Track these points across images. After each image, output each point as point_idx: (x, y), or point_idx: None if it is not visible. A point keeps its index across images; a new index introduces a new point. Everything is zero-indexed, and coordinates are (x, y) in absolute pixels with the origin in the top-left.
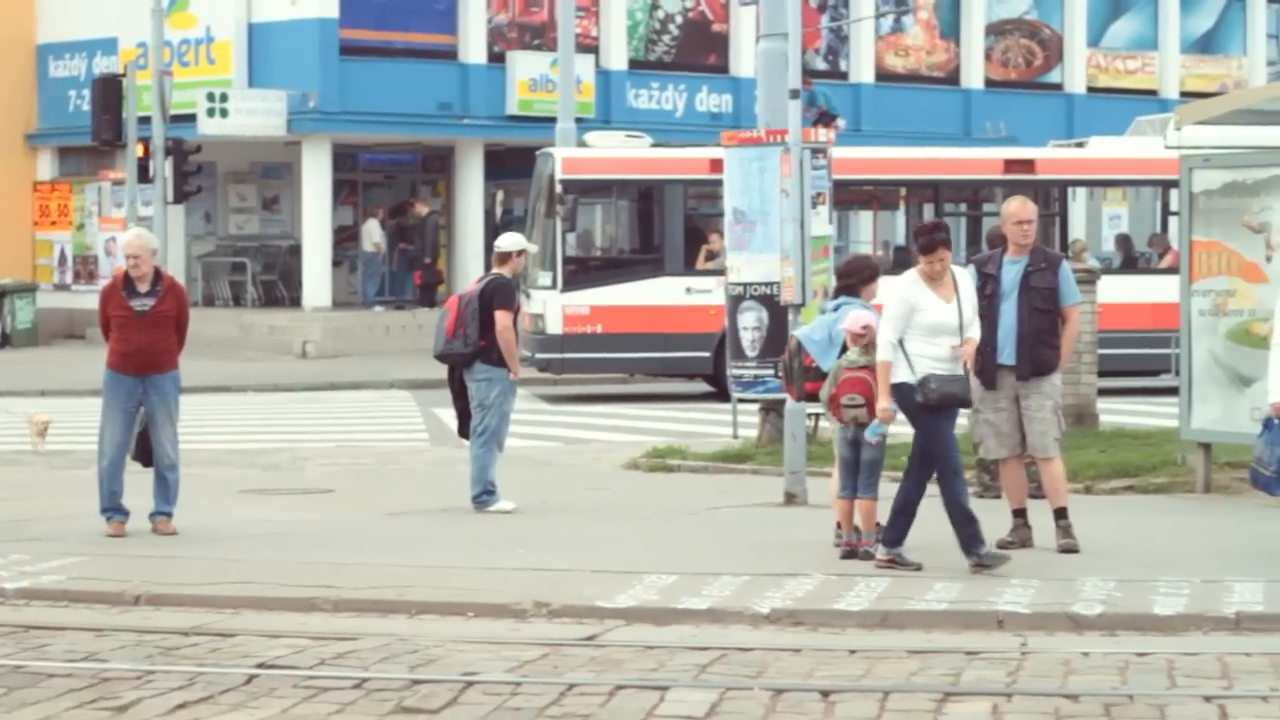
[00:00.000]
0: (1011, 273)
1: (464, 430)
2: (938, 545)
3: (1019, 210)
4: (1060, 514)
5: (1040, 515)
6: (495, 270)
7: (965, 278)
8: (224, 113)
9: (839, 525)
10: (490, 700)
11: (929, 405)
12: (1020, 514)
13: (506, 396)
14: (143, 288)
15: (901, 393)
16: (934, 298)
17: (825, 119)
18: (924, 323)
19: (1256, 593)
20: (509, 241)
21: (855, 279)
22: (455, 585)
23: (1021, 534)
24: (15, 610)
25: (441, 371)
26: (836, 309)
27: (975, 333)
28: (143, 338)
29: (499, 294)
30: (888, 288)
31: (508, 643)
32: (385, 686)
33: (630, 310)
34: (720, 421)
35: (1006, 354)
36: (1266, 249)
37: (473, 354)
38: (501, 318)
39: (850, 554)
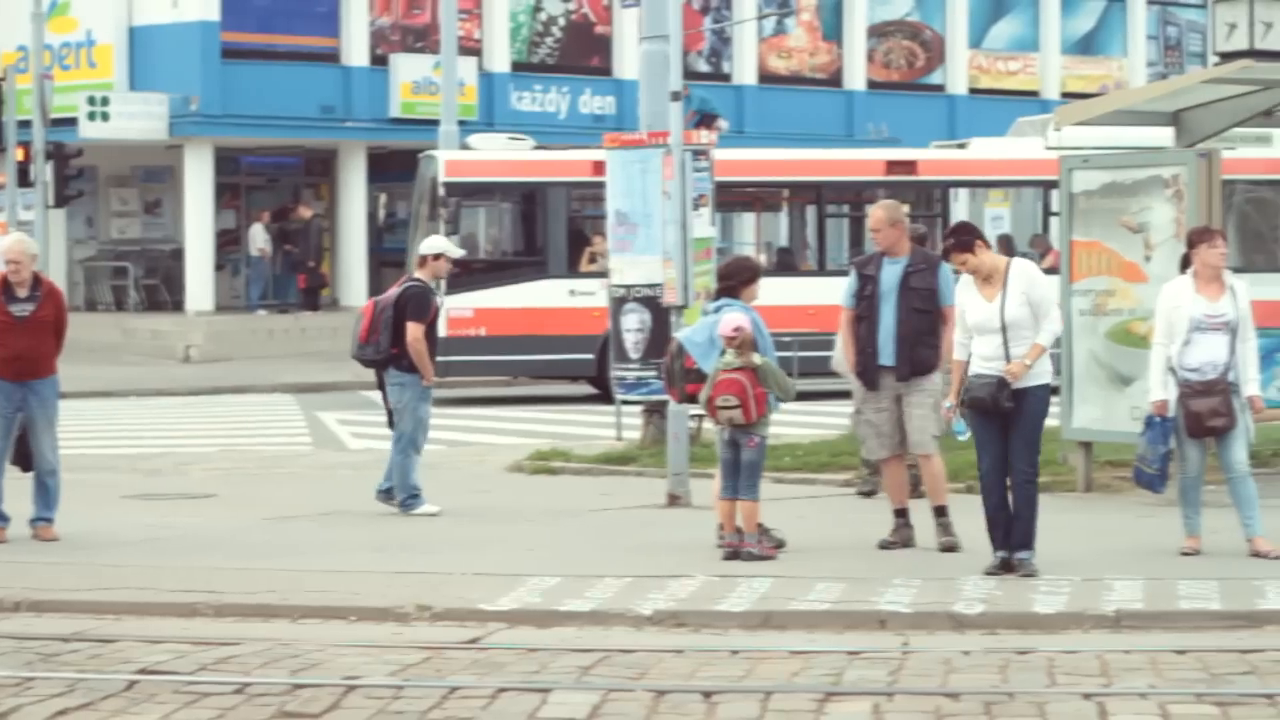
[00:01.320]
0: (890, 274)
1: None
2: (821, 546)
3: (869, 219)
4: (940, 512)
5: (922, 515)
6: (415, 275)
7: (1021, 275)
8: (105, 116)
9: (721, 526)
10: (372, 704)
11: (965, 404)
12: (901, 514)
13: (420, 402)
14: (22, 293)
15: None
16: (976, 298)
17: (705, 121)
18: (970, 322)
19: (1136, 591)
20: (428, 245)
21: (735, 280)
22: (338, 589)
23: (903, 534)
24: None
25: (325, 375)
26: (717, 310)
27: (1044, 338)
28: (22, 343)
29: (412, 303)
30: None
31: (390, 646)
32: (266, 691)
33: (514, 313)
34: (604, 424)
35: (886, 355)
36: (1145, 249)
37: (384, 360)
38: (413, 329)
39: (733, 555)
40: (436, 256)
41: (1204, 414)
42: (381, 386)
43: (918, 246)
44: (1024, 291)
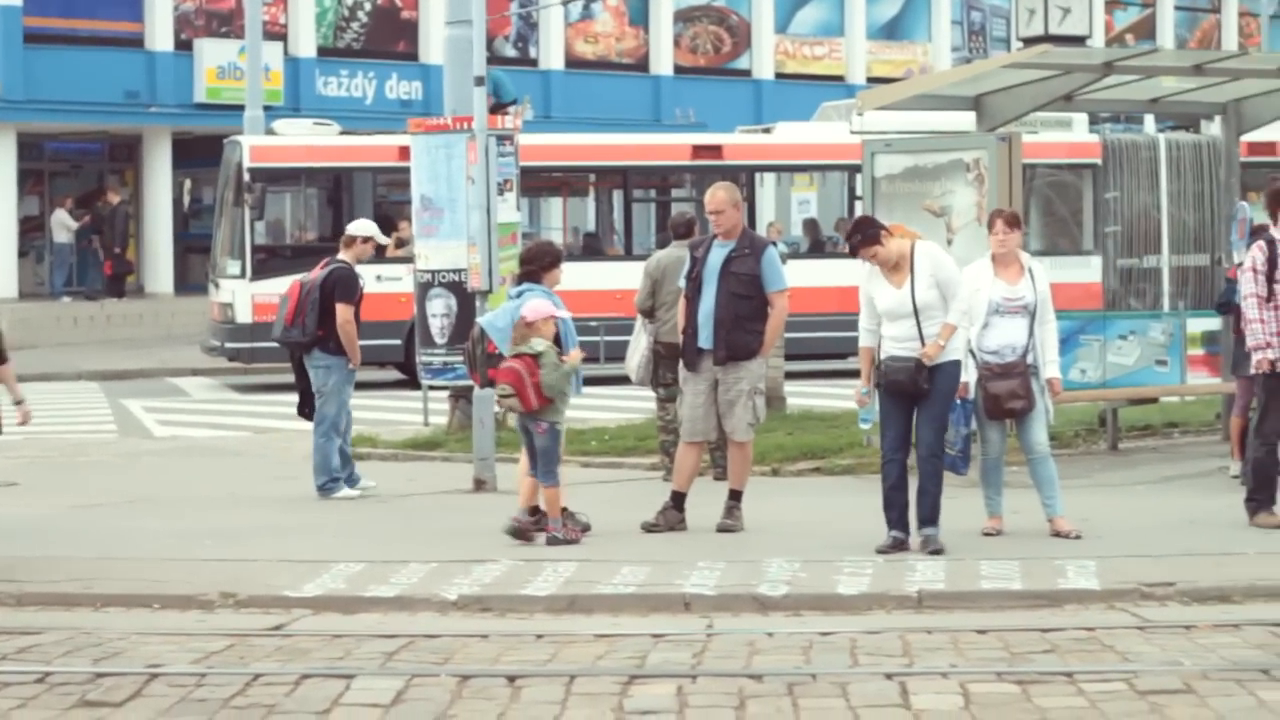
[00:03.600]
0: (717, 257)
1: (303, 410)
2: (627, 529)
3: (707, 200)
4: (734, 495)
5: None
6: (340, 256)
7: (927, 258)
8: None
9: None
10: (175, 692)
11: (879, 385)
12: (679, 499)
13: (344, 385)
14: None
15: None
16: (885, 285)
17: (499, 109)
18: (880, 309)
19: (939, 571)
20: (357, 227)
21: (536, 265)
22: (142, 577)
23: (670, 517)
24: None
25: (130, 363)
26: (519, 295)
27: (954, 317)
28: None
29: (340, 286)
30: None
31: (194, 634)
32: (68, 680)
33: None
34: (411, 409)
35: (705, 337)
36: (948, 232)
37: (310, 343)
38: (342, 310)
39: (516, 533)
40: (366, 239)
41: (1003, 396)
42: (298, 373)
43: (747, 230)
44: (931, 274)
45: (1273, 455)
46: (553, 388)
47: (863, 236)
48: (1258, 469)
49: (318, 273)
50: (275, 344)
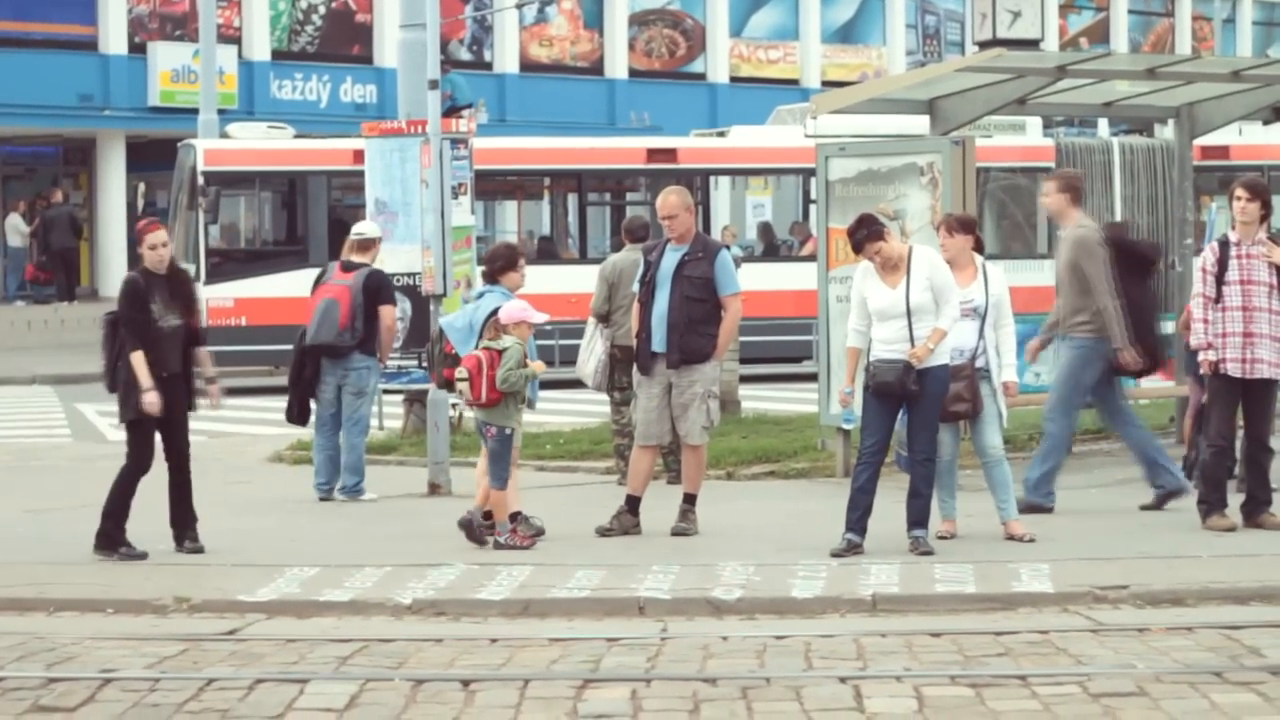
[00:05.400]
0: (670, 260)
1: (302, 416)
2: (582, 533)
3: (659, 205)
4: (688, 499)
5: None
6: (357, 259)
7: (924, 262)
8: None
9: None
10: (128, 697)
11: (867, 387)
12: (633, 502)
13: (378, 385)
14: None
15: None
16: (880, 285)
17: (453, 111)
18: (872, 309)
19: (892, 574)
20: (368, 228)
21: (491, 267)
22: (95, 582)
23: (625, 521)
24: None
25: (84, 367)
26: (480, 297)
27: (944, 322)
28: None
29: (384, 289)
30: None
31: (148, 639)
32: (21, 685)
33: (275, 302)
34: None
35: (658, 341)
36: (901, 236)
37: (355, 345)
38: (389, 312)
39: (468, 525)
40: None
41: (948, 399)
42: (308, 382)
43: (701, 234)
44: (928, 277)
45: (1221, 458)
46: (506, 382)
47: (869, 231)
48: (1207, 472)
49: (345, 276)
50: (311, 347)
